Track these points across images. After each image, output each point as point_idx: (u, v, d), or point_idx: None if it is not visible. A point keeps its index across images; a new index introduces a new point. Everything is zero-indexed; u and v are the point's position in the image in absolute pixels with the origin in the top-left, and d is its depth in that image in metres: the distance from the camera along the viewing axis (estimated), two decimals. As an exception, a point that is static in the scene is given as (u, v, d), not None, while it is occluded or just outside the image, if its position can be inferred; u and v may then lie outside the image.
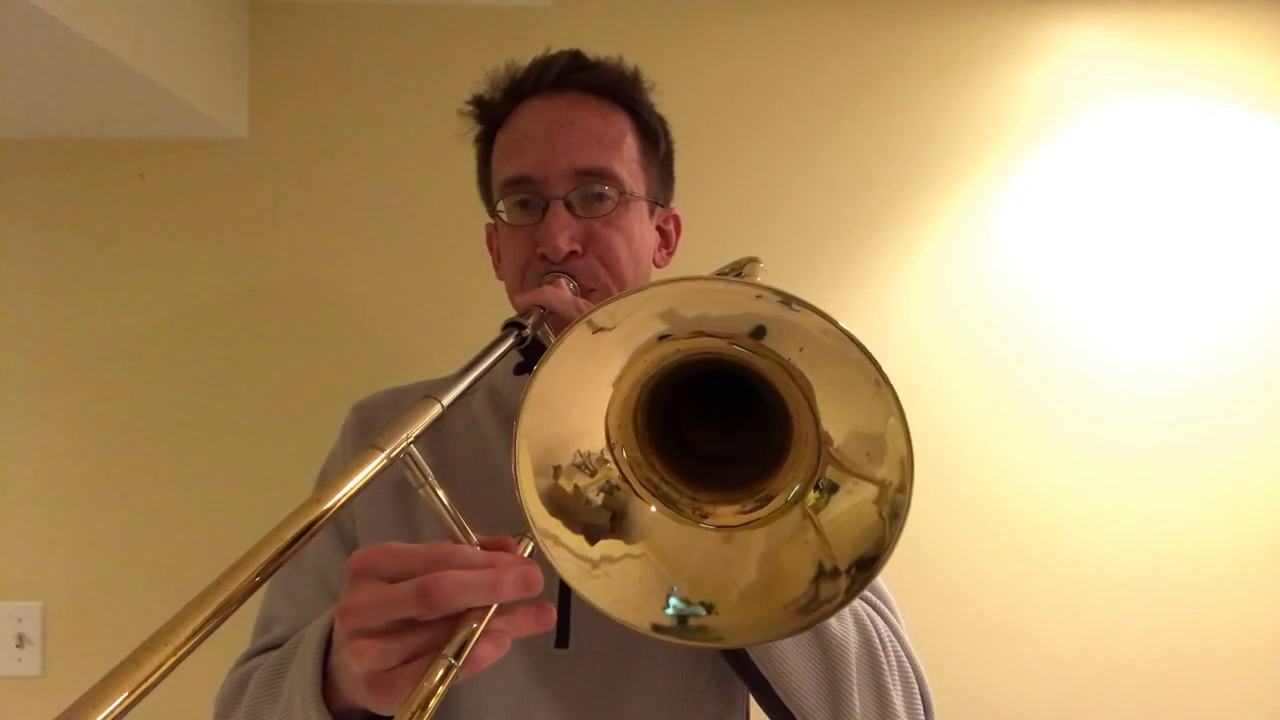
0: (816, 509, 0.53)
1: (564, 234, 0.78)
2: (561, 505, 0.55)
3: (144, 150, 1.50)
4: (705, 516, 0.57)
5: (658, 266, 0.90)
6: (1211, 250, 1.51)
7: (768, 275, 1.47)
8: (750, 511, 0.56)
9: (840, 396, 0.50)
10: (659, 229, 0.90)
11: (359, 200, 1.50)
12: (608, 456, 0.57)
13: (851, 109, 1.52)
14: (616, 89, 0.86)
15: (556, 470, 0.54)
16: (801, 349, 0.50)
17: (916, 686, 0.74)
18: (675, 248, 0.93)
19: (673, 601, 0.55)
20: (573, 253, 0.79)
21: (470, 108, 0.89)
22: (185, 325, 1.50)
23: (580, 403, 0.54)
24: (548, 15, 1.51)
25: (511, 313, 0.90)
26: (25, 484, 1.48)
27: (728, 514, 0.57)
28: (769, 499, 0.56)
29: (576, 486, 0.55)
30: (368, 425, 0.89)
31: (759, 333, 0.51)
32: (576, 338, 0.50)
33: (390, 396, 0.92)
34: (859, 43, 1.52)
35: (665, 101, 0.91)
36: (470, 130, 0.90)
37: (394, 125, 1.51)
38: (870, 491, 0.51)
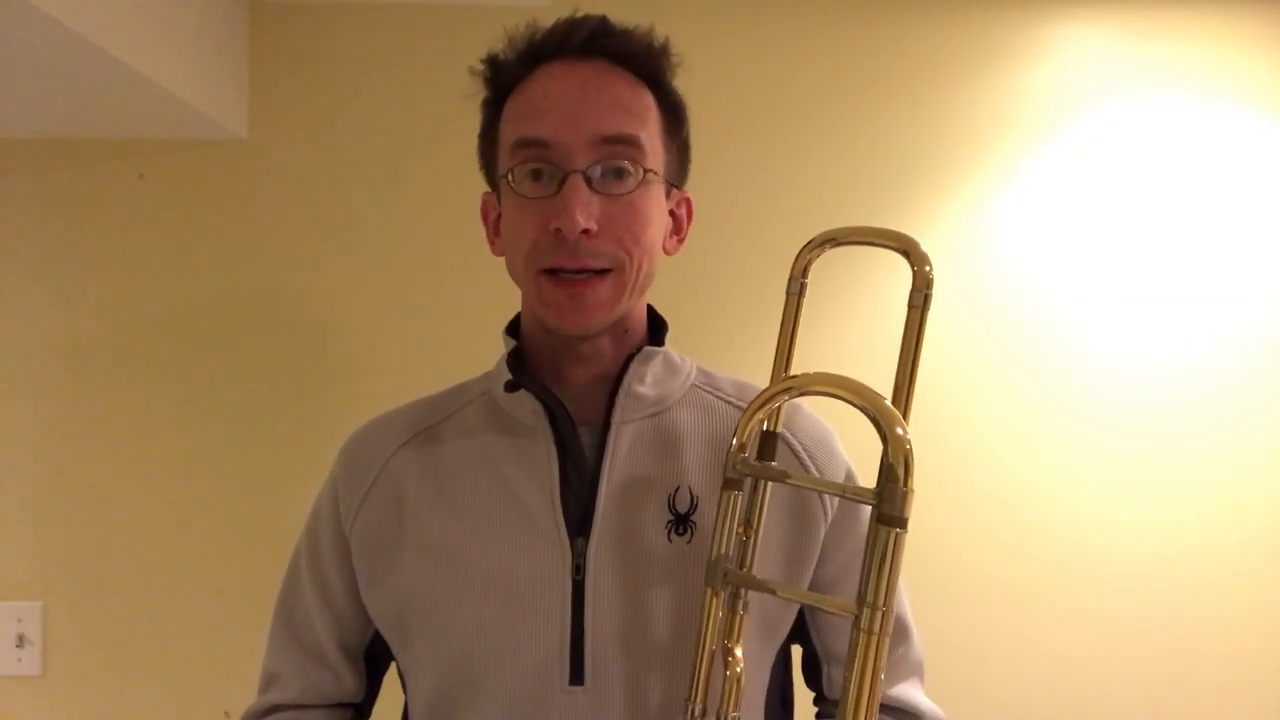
0: None
1: (583, 210, 0.73)
2: None
3: (144, 150, 1.50)
4: None
5: (667, 254, 0.85)
6: (1211, 250, 1.51)
7: (770, 273, 1.48)
8: None
9: None
10: (671, 213, 0.85)
11: (359, 200, 1.50)
12: None
13: (850, 108, 1.52)
14: (644, 61, 0.82)
15: None
16: None
17: None
18: (686, 234, 0.88)
19: None
20: (585, 231, 0.73)
21: (483, 67, 0.84)
22: (185, 324, 1.50)
23: None
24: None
25: (511, 291, 0.84)
26: (25, 484, 1.49)
27: None
28: None
29: None
30: (352, 477, 0.83)
31: None
32: None
33: (377, 427, 0.87)
34: (857, 42, 1.52)
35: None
36: (478, 93, 0.85)
37: (394, 125, 1.51)
38: None
